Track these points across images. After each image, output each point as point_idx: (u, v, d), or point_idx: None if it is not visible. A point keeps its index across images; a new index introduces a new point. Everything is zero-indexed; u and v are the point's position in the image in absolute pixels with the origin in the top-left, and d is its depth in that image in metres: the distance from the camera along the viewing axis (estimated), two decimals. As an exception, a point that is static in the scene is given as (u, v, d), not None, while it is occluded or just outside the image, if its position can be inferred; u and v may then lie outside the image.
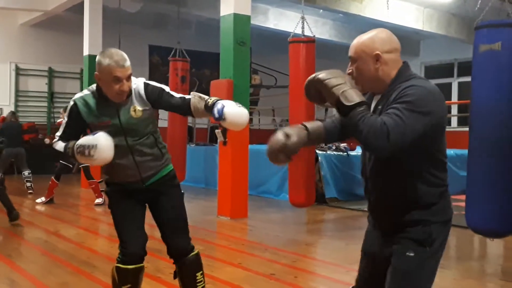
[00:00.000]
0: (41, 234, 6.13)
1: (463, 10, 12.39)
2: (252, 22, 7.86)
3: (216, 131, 7.35)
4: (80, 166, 8.86)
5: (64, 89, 14.75)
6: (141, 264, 2.91)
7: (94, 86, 2.83)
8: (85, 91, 2.86)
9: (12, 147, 9.81)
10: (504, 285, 4.22)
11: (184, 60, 8.66)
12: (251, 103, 14.67)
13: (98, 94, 2.78)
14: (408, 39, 15.49)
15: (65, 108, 8.79)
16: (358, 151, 10.22)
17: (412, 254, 2.00)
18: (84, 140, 2.66)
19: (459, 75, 15.76)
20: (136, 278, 2.91)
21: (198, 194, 9.85)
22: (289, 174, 6.83)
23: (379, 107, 2.05)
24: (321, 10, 12.53)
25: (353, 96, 1.89)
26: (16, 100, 13.95)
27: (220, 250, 5.41)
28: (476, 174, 4.32)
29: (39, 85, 14.58)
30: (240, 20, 7.23)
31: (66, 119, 2.86)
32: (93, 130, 2.79)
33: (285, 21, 13.00)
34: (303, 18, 6.82)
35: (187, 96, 2.84)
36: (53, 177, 8.57)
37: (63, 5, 12.25)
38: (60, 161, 8.61)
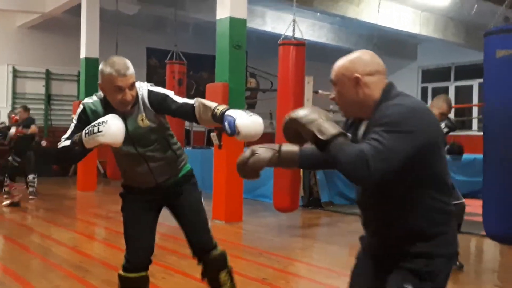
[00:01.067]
0: (35, 237, 6.11)
1: (460, 14, 12.40)
2: (250, 25, 7.87)
3: (211, 134, 7.33)
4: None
5: (61, 91, 14.75)
6: (145, 273, 2.85)
7: (102, 93, 2.75)
8: (94, 97, 2.79)
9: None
10: (499, 285, 4.21)
11: (181, 63, 8.66)
12: (249, 106, 14.70)
13: (105, 102, 2.71)
14: (405, 43, 15.51)
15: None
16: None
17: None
18: (93, 122, 2.58)
19: (456, 79, 15.78)
20: (139, 285, 2.85)
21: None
22: (273, 179, 6.78)
23: (366, 127, 1.96)
24: (318, 14, 12.54)
25: (328, 129, 1.78)
26: (13, 102, 13.91)
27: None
28: (492, 178, 4.34)
29: (36, 87, 14.56)
30: (236, 24, 7.23)
31: (75, 122, 2.76)
32: None
33: (283, 25, 12.91)
34: (294, 20, 6.83)
35: (190, 102, 2.72)
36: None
37: (61, 7, 12.25)
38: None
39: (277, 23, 13.32)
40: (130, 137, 2.69)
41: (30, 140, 8.72)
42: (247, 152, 2.12)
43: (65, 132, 2.78)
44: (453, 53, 15.08)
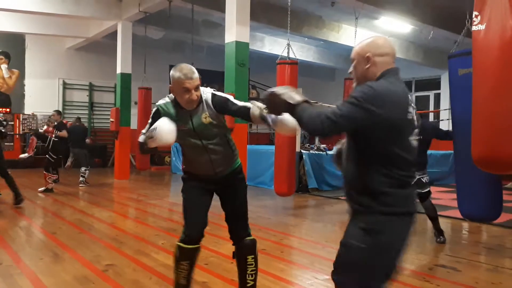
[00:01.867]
0: (80, 216, 6.10)
1: (419, 39, 12.39)
2: (251, 47, 7.85)
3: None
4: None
5: (101, 100, 14.75)
6: (199, 245, 2.76)
7: (172, 95, 2.68)
8: (166, 99, 2.72)
9: (73, 148, 9.52)
10: (451, 260, 4.19)
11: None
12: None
13: (175, 103, 2.66)
14: (376, 62, 15.48)
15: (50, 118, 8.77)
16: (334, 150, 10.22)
17: (356, 243, 1.83)
18: (151, 127, 2.55)
19: (416, 90, 15.76)
20: (194, 255, 2.77)
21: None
22: (274, 169, 6.82)
23: None
24: (306, 38, 12.53)
25: (296, 97, 1.86)
26: (63, 109, 13.88)
27: (223, 230, 5.32)
28: (461, 171, 4.38)
29: (81, 96, 14.57)
30: (241, 46, 7.22)
31: (150, 120, 2.68)
32: None
33: (278, 47, 12.95)
34: (288, 44, 6.81)
35: (248, 105, 2.66)
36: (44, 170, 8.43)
37: (101, 33, 12.25)
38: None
39: (273, 45, 13.32)
40: (195, 131, 2.66)
41: (63, 141, 8.66)
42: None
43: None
44: (413, 70, 15.05)
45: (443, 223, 6.01)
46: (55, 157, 8.52)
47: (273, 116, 2.43)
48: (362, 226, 1.83)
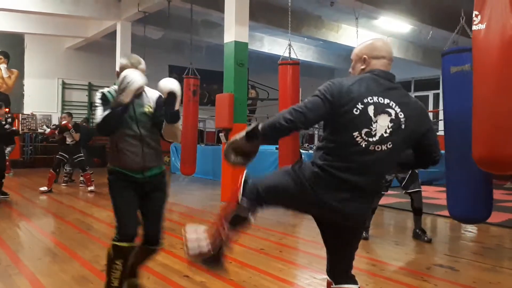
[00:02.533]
0: (79, 215, 6.09)
1: (418, 39, 12.41)
2: (251, 47, 7.86)
3: (220, 134, 7.32)
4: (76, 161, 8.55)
5: (101, 99, 14.73)
6: (134, 244, 2.72)
7: (115, 86, 2.71)
8: (111, 88, 2.76)
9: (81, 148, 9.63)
10: (449, 259, 4.20)
11: (195, 78, 8.62)
12: (250, 112, 14.69)
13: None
14: (375, 62, 15.50)
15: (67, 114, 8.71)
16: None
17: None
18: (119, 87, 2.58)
19: (415, 90, 15.77)
20: (129, 254, 2.72)
21: (206, 185, 9.83)
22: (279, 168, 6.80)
23: None
24: (305, 38, 12.54)
25: (247, 129, 1.95)
26: (62, 109, 13.90)
27: (222, 230, 5.39)
28: (453, 170, 4.30)
29: (80, 96, 14.57)
30: (240, 46, 7.24)
31: (100, 102, 2.67)
32: None
33: (277, 47, 13.01)
34: (290, 45, 6.81)
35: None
36: (51, 170, 8.35)
37: (100, 33, 12.28)
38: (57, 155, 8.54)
39: (273, 45, 13.34)
40: (136, 118, 2.68)
41: (77, 143, 8.61)
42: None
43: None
44: (413, 70, 15.07)
45: (441, 223, 6.04)
46: (67, 157, 8.50)
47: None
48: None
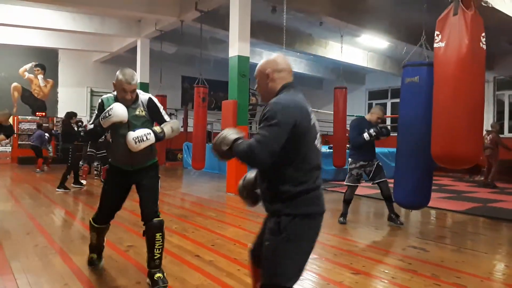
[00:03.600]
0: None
1: (394, 53, 12.41)
2: (251, 61, 7.84)
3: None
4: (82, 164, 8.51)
5: (124, 105, 14.73)
6: (108, 224, 3.10)
7: (115, 92, 2.82)
8: (110, 94, 2.86)
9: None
10: (421, 242, 4.20)
11: (204, 87, 8.61)
12: (251, 116, 14.67)
13: (116, 98, 2.79)
14: (357, 73, 15.49)
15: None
16: (323, 148, 10.23)
17: (267, 243, 1.72)
18: (105, 110, 2.71)
19: (391, 98, 15.75)
20: (102, 231, 3.12)
21: (213, 178, 9.83)
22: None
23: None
24: (298, 53, 12.54)
25: (230, 139, 1.73)
26: (91, 113, 13.89)
27: (227, 217, 5.39)
28: (401, 164, 4.31)
29: (106, 102, 14.57)
30: (242, 60, 7.23)
31: (96, 112, 2.85)
32: None
33: (274, 60, 13.01)
34: (284, 58, 6.78)
35: (168, 120, 2.87)
36: (85, 164, 8.43)
37: (123, 48, 12.28)
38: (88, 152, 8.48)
39: (270, 59, 13.33)
40: (128, 121, 2.75)
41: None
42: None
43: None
44: (389, 80, 15.05)
45: (413, 211, 6.02)
46: (96, 152, 8.49)
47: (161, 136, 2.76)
48: (270, 227, 1.76)
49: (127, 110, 2.72)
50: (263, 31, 10.13)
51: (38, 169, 10.50)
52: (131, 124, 2.75)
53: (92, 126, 2.81)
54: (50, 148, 11.80)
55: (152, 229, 2.80)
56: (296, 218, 1.69)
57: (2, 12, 9.70)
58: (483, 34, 3.53)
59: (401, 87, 4.36)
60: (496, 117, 12.33)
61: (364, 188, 7.18)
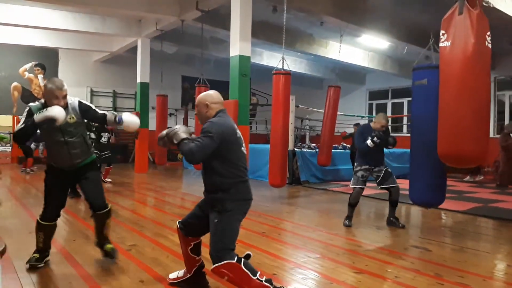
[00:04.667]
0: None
1: (395, 53, 12.41)
2: (252, 60, 7.84)
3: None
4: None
5: (123, 105, 14.67)
6: (55, 222, 3.13)
7: (43, 100, 2.93)
8: (37, 103, 2.97)
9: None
10: (422, 241, 4.21)
11: (206, 86, 8.62)
12: (251, 116, 14.68)
13: (45, 106, 2.88)
14: (357, 73, 15.49)
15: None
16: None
17: (216, 220, 2.38)
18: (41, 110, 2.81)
19: (392, 98, 15.77)
20: (50, 230, 3.14)
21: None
22: (269, 164, 6.73)
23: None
24: (299, 53, 12.54)
25: (179, 136, 2.39)
26: (91, 112, 13.89)
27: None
28: (415, 164, 4.34)
29: (106, 102, 14.52)
30: (243, 60, 7.22)
31: (25, 116, 2.92)
32: (40, 127, 2.90)
33: (274, 60, 12.95)
34: (283, 58, 6.80)
35: (105, 113, 3.05)
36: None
37: (123, 48, 12.25)
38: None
39: (270, 59, 13.32)
40: (60, 128, 2.89)
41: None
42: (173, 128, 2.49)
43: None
44: (390, 80, 15.06)
45: (415, 211, 6.05)
46: (99, 153, 8.49)
47: (119, 116, 2.99)
48: (217, 210, 2.44)
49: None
50: (263, 31, 10.13)
51: (26, 168, 10.10)
52: (64, 130, 2.92)
53: (21, 126, 2.86)
54: (41, 148, 11.33)
55: (101, 218, 3.17)
56: (235, 202, 2.41)
57: (2, 12, 9.69)
58: (488, 33, 3.53)
59: (412, 89, 4.42)
60: (497, 117, 12.35)
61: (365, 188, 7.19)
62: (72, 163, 3.00)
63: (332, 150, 9.29)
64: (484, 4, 5.69)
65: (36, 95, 13.76)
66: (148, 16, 9.94)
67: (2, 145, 12.49)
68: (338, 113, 9.23)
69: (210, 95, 2.54)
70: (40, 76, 13.78)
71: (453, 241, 4.27)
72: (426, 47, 4.62)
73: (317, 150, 9.26)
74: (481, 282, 3.02)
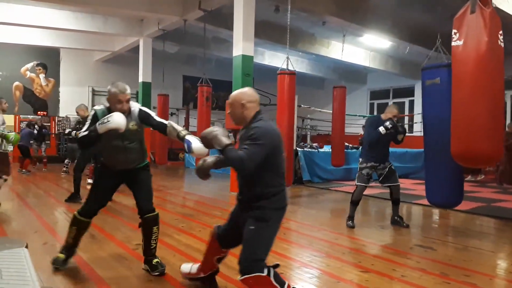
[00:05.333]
0: (111, 203, 5.99)
1: (396, 53, 12.43)
2: (255, 60, 7.86)
3: (229, 134, 7.33)
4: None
5: (125, 104, 14.71)
6: (90, 220, 3.11)
7: (107, 104, 2.91)
8: (102, 106, 2.95)
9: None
10: (427, 241, 4.23)
11: (208, 86, 8.64)
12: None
13: (109, 110, 2.88)
14: (359, 72, 15.51)
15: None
16: (325, 148, 10.23)
17: (252, 227, 2.24)
18: (103, 118, 2.78)
19: (393, 97, 15.79)
20: (85, 227, 3.12)
21: (217, 177, 9.79)
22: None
23: (242, 134, 2.32)
24: (300, 53, 12.55)
25: (222, 142, 2.20)
26: (92, 112, 13.89)
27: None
28: (430, 165, 4.33)
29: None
30: (246, 59, 7.24)
31: (89, 121, 2.92)
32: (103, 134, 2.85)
33: (276, 60, 13.00)
34: (287, 58, 6.81)
35: (164, 122, 2.97)
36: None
37: (125, 47, 12.28)
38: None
39: (272, 59, 13.34)
40: (122, 134, 2.86)
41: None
42: (200, 161, 2.40)
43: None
44: (391, 80, 15.08)
45: (419, 210, 6.06)
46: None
47: (188, 141, 2.79)
48: (256, 217, 2.29)
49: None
50: (265, 31, 10.14)
51: (24, 170, 9.96)
52: (125, 136, 2.89)
53: (86, 132, 2.85)
54: (44, 147, 11.10)
55: (149, 222, 3.02)
56: (277, 210, 2.29)
57: (4, 11, 9.70)
58: (501, 32, 3.52)
59: (422, 89, 4.38)
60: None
61: (367, 188, 7.21)
62: (127, 167, 3.00)
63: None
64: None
65: (37, 94, 13.78)
66: (150, 16, 9.96)
67: (10, 146, 12.48)
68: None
69: (246, 93, 2.34)
70: (42, 76, 13.80)
71: (457, 240, 4.28)
72: (434, 48, 4.61)
73: (319, 149, 9.28)
74: (488, 281, 3.03)
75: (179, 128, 2.97)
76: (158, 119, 2.99)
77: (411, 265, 3.35)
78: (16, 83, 13.45)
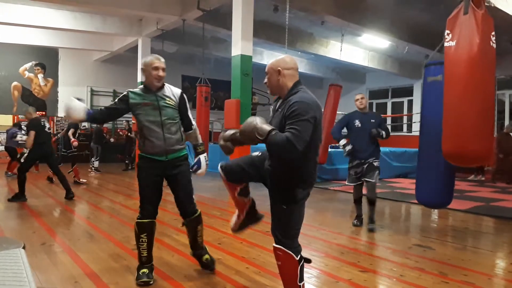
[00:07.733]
0: (109, 203, 6.10)
1: (395, 53, 12.44)
2: (253, 60, 7.86)
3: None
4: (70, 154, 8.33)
5: (124, 104, 14.72)
6: (154, 220, 2.86)
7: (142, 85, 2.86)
8: (136, 89, 2.87)
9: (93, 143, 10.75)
10: (425, 240, 4.23)
11: (207, 86, 8.63)
12: (252, 115, 14.68)
13: (143, 89, 2.82)
14: (358, 72, 15.52)
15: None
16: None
17: (285, 207, 2.16)
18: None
19: (392, 97, 15.80)
20: (151, 228, 2.84)
21: (215, 177, 9.78)
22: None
23: (280, 109, 2.11)
24: (299, 52, 12.55)
25: (264, 130, 1.95)
26: (91, 112, 13.88)
27: (231, 215, 5.39)
28: (424, 164, 4.30)
29: (106, 102, 14.45)
30: (245, 59, 7.24)
31: (116, 101, 2.88)
32: (136, 110, 2.79)
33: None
34: (287, 57, 6.80)
35: (193, 122, 2.96)
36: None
37: (124, 47, 12.26)
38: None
39: (271, 58, 13.22)
40: (158, 106, 2.77)
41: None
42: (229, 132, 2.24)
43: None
44: (390, 80, 15.10)
45: (417, 209, 6.07)
46: (70, 152, 8.43)
47: (198, 162, 2.89)
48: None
49: (155, 97, 2.78)
50: (264, 30, 10.14)
51: (10, 172, 9.49)
52: (162, 110, 2.78)
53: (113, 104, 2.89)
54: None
55: (193, 223, 3.00)
56: (306, 189, 2.15)
57: (3, 11, 9.68)
58: (493, 33, 3.54)
59: (423, 87, 4.36)
60: (497, 117, 12.37)
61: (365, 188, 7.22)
62: (165, 149, 2.77)
63: (331, 150, 9.34)
64: (485, 3, 5.73)
65: (36, 94, 13.75)
66: (149, 15, 9.95)
67: (1, 145, 12.45)
68: (338, 112, 9.24)
69: (283, 60, 2.15)
70: (40, 76, 13.77)
71: (455, 239, 4.29)
72: (437, 47, 4.61)
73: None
74: (486, 280, 3.04)
75: (200, 140, 2.98)
76: (191, 116, 2.95)
77: (410, 264, 3.35)
78: (15, 83, 13.42)
